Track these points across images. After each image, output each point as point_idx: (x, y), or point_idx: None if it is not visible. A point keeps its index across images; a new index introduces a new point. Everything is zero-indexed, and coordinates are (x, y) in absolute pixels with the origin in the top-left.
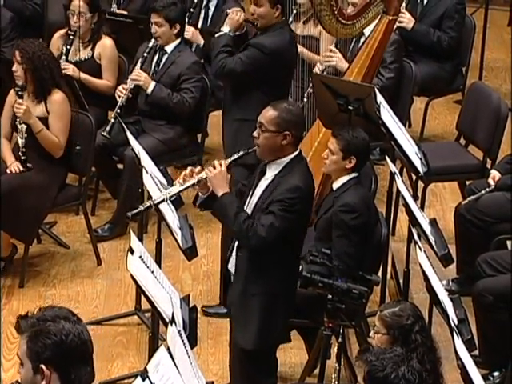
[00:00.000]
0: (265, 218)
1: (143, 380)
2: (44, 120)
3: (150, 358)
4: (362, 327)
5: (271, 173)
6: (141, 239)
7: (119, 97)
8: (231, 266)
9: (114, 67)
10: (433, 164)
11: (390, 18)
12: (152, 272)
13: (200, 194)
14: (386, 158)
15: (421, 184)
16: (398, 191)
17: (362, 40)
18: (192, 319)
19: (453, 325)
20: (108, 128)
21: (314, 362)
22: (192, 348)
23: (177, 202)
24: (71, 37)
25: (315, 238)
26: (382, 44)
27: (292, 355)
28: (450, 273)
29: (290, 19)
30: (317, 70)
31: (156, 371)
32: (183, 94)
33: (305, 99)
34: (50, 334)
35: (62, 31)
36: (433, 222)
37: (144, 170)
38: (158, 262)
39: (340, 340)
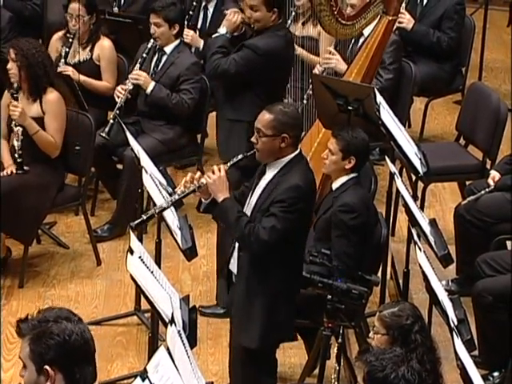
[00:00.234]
0: (266, 221)
1: (143, 380)
2: (39, 120)
3: (149, 358)
4: (362, 327)
5: (271, 173)
6: (140, 239)
7: (118, 97)
8: (233, 266)
9: (113, 68)
10: (432, 164)
11: (390, 18)
12: (152, 272)
13: (203, 199)
14: (386, 158)
15: (420, 184)
16: (398, 191)
17: (361, 40)
18: (192, 319)
19: (452, 325)
20: (107, 129)
21: (314, 363)
22: (192, 348)
23: (177, 202)
24: (70, 39)
25: (314, 238)
26: (382, 44)
27: (291, 355)
28: (449, 273)
29: (289, 21)
30: (316, 72)
31: (156, 371)
32: (182, 94)
33: (304, 101)
34: (53, 334)
35: (61, 33)
36: (432, 223)
37: (144, 171)
38: (158, 263)
39: (340, 340)
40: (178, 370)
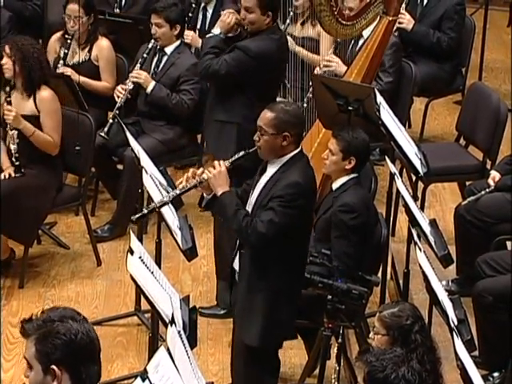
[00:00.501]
0: (264, 214)
1: (143, 380)
2: (34, 118)
3: (149, 358)
4: (362, 328)
5: (271, 170)
6: (140, 240)
7: (118, 97)
8: (236, 265)
9: (111, 68)
10: (432, 164)
11: (390, 18)
12: (152, 272)
13: (205, 195)
14: (386, 158)
15: (421, 184)
16: (398, 192)
17: (361, 42)
18: (192, 320)
19: (452, 325)
20: (106, 128)
21: (314, 363)
22: (192, 349)
23: (177, 202)
24: (68, 40)
25: (315, 238)
26: (382, 45)
27: (292, 356)
28: (449, 273)
29: (288, 21)
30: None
31: (156, 372)
32: (182, 95)
33: (305, 104)
34: (59, 334)
35: (59, 34)
36: (432, 223)
37: (144, 171)
38: (158, 263)
39: (340, 340)
40: (178, 370)
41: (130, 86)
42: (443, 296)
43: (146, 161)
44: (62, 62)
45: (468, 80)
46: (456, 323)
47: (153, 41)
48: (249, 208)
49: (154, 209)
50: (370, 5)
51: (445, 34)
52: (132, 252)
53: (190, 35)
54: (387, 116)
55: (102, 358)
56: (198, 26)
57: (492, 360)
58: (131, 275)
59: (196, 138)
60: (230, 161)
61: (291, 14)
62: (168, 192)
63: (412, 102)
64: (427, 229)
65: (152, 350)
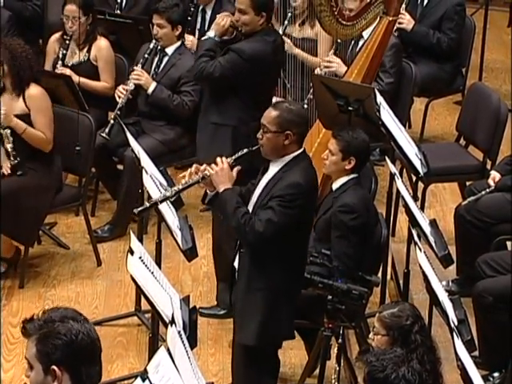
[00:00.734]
0: (263, 213)
1: (143, 381)
2: (25, 117)
3: (149, 358)
4: (362, 328)
5: (273, 169)
6: (141, 240)
7: (119, 97)
8: (236, 263)
9: (110, 68)
10: (433, 165)
11: (390, 18)
12: (152, 273)
13: (208, 191)
14: (386, 158)
15: (421, 185)
16: (398, 192)
17: (361, 43)
18: (192, 320)
19: (453, 325)
20: (107, 129)
21: (314, 363)
22: (192, 349)
23: (177, 202)
24: (67, 41)
25: (315, 238)
26: (382, 45)
27: (292, 356)
28: (449, 273)
29: (286, 22)
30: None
31: (156, 372)
32: (183, 96)
33: (305, 105)
34: (60, 334)
35: (58, 34)
36: (433, 223)
37: (144, 171)
38: (158, 263)
39: (340, 341)
40: (178, 370)
41: (131, 86)
42: (443, 296)
43: (146, 161)
44: (60, 62)
45: (468, 80)
46: (456, 323)
47: (154, 41)
48: (250, 206)
49: (157, 202)
50: (369, 5)
51: (445, 35)
52: (132, 252)
53: (189, 40)
54: (387, 116)
55: (102, 358)
56: (198, 27)
57: (492, 360)
58: (131, 275)
59: (196, 138)
60: (233, 158)
61: (289, 15)
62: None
63: (412, 102)
64: (427, 229)
65: (152, 351)
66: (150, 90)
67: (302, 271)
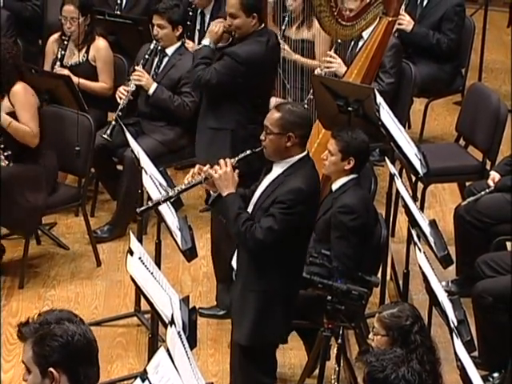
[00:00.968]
0: (264, 221)
1: (143, 381)
2: (11, 115)
3: (149, 359)
4: (362, 328)
5: (276, 171)
6: (140, 240)
7: (120, 98)
8: (234, 263)
9: (109, 68)
10: (432, 165)
11: (390, 19)
12: (151, 273)
13: (211, 192)
14: (386, 159)
15: (420, 185)
16: (398, 192)
17: (361, 43)
18: (191, 320)
19: (452, 326)
20: (109, 130)
21: (314, 364)
22: (191, 349)
23: (177, 203)
24: (65, 41)
25: (314, 239)
26: (382, 45)
27: (291, 356)
28: (449, 274)
29: (283, 27)
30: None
31: (155, 372)
32: (184, 97)
33: (305, 106)
34: (56, 336)
35: (57, 35)
36: (432, 223)
37: (143, 172)
38: (158, 263)
39: (339, 341)
40: (177, 370)
41: (132, 87)
42: (443, 297)
43: (145, 161)
44: (58, 63)
45: (468, 81)
46: (456, 324)
47: (154, 42)
48: (250, 206)
49: (159, 202)
50: (369, 5)
51: (444, 35)
52: (132, 253)
53: (189, 46)
54: (387, 116)
55: (102, 358)
56: (197, 30)
57: (492, 360)
58: (131, 276)
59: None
60: (236, 159)
61: (286, 19)
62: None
63: (412, 102)
64: (427, 229)
65: (152, 351)
66: (150, 91)
67: (299, 274)
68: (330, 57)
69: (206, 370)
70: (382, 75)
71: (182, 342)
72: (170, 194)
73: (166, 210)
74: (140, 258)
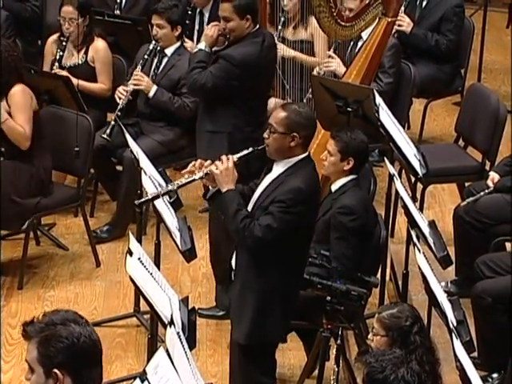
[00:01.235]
0: (263, 219)
1: (142, 382)
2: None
3: (148, 359)
4: (361, 329)
5: (277, 171)
6: (140, 241)
7: (120, 99)
8: (234, 262)
9: (108, 69)
10: (432, 166)
11: (389, 19)
12: (151, 274)
13: (210, 187)
14: (385, 159)
15: (420, 186)
16: (397, 193)
17: (360, 43)
18: (191, 321)
19: (452, 326)
20: (108, 130)
21: (313, 364)
22: (191, 350)
23: (176, 203)
24: (64, 42)
25: (314, 239)
26: (381, 46)
27: (291, 357)
28: (448, 274)
29: (279, 27)
30: (315, 73)
31: (155, 373)
32: (184, 98)
33: None
34: (62, 337)
35: (55, 36)
36: (432, 224)
37: (143, 172)
38: (157, 264)
39: (339, 342)
40: (177, 371)
41: (131, 88)
42: (442, 297)
43: (145, 162)
44: (57, 64)
45: (467, 81)
46: (455, 324)
47: (153, 42)
48: (250, 205)
49: (159, 195)
50: (368, 6)
51: (444, 36)
52: (131, 253)
53: (188, 46)
54: (386, 117)
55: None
56: (196, 30)
57: (491, 361)
58: (130, 276)
59: (195, 139)
60: (238, 156)
61: (282, 19)
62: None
63: (411, 103)
64: (426, 230)
65: (151, 352)
66: (150, 94)
67: (299, 274)
68: (329, 56)
69: (205, 371)
70: (381, 75)
71: (182, 343)
72: (170, 187)
73: (166, 211)
74: (139, 259)
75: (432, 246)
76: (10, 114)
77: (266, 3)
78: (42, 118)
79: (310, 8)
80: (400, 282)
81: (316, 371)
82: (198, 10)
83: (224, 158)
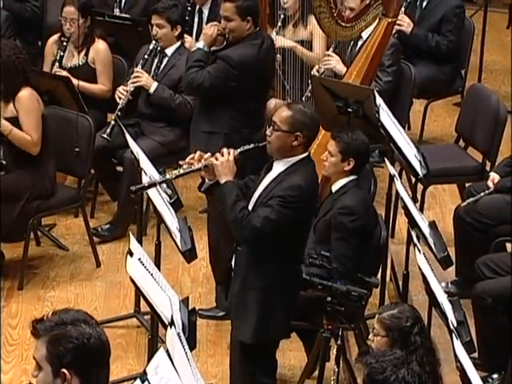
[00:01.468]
0: (261, 210)
1: (142, 382)
2: (14, 119)
3: (149, 360)
4: (362, 329)
5: (277, 170)
6: (140, 241)
7: (120, 99)
8: (233, 262)
9: (108, 71)
10: (432, 166)
11: (389, 20)
12: (151, 274)
13: (207, 179)
14: (386, 160)
15: (420, 186)
16: (398, 193)
17: (360, 43)
18: (191, 321)
19: (452, 327)
20: (108, 130)
21: (313, 365)
22: (191, 350)
23: (176, 204)
24: (64, 43)
25: (314, 240)
26: (381, 46)
27: (291, 357)
28: (449, 275)
29: (279, 24)
30: (315, 73)
31: (155, 373)
32: (185, 95)
33: None
34: (72, 338)
35: (56, 36)
36: (432, 225)
37: (143, 173)
38: (158, 265)
39: (339, 342)
40: (177, 372)
41: (131, 87)
42: (442, 298)
43: (145, 162)
44: (57, 64)
45: (467, 82)
46: (455, 325)
47: (154, 42)
48: (251, 205)
49: (155, 183)
50: (369, 6)
51: (444, 37)
52: (131, 254)
53: (187, 40)
54: (387, 118)
55: None
56: (195, 27)
57: (491, 361)
58: (130, 277)
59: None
60: (239, 151)
61: (282, 17)
62: (167, 193)
63: (411, 103)
64: (426, 230)
65: (151, 352)
66: (151, 90)
67: (298, 271)
68: (328, 55)
69: (205, 371)
70: (380, 74)
71: (182, 343)
72: (168, 176)
73: (166, 211)
74: (140, 259)
75: (432, 246)
76: (17, 118)
77: (266, 3)
78: (45, 123)
79: (310, 7)
80: (400, 283)
81: (316, 372)
82: (197, 8)
83: (225, 150)
